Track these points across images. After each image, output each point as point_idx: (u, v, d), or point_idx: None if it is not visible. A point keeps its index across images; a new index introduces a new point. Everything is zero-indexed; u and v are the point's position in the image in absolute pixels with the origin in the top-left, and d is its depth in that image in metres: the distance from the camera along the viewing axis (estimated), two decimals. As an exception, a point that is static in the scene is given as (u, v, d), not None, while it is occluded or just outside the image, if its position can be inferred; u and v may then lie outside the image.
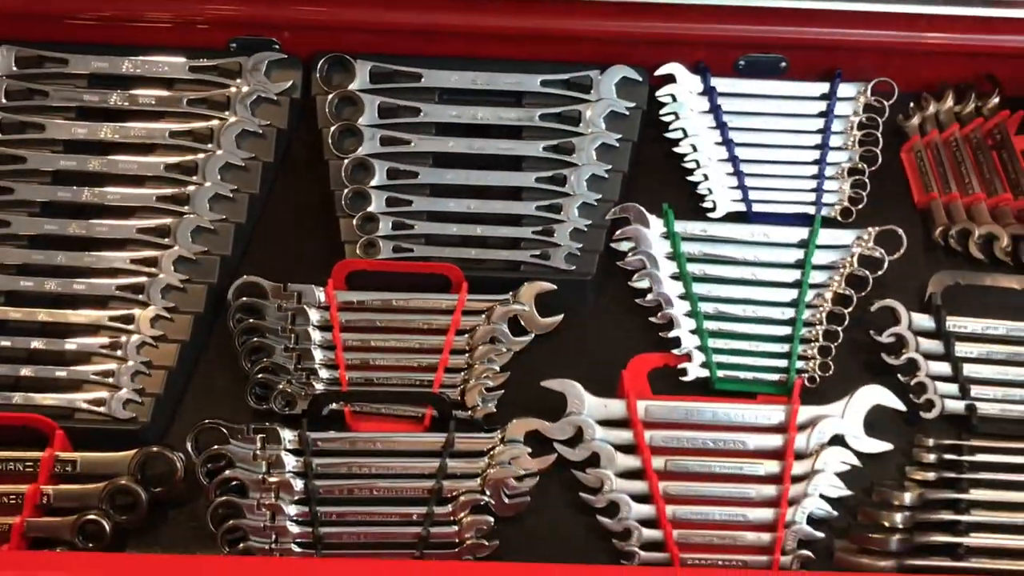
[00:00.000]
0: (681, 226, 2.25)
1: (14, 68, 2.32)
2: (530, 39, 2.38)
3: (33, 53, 2.34)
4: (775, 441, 2.00)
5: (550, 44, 2.39)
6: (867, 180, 2.32)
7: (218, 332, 2.15)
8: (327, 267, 2.17)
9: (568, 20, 2.37)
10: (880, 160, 2.34)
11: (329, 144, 2.30)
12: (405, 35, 2.38)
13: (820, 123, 2.39)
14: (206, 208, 2.22)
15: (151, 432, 2.04)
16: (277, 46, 2.38)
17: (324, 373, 2.09)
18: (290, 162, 2.35)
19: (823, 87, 2.41)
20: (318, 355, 2.10)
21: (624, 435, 2.00)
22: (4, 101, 2.29)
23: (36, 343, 2.00)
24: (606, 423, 2.01)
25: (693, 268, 2.21)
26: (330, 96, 2.33)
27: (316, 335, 2.11)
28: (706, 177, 2.33)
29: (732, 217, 2.31)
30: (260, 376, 2.07)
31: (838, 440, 2.01)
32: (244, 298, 2.12)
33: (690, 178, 2.35)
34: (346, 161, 2.28)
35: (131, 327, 2.09)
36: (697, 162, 2.35)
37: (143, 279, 2.14)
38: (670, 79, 2.39)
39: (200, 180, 2.24)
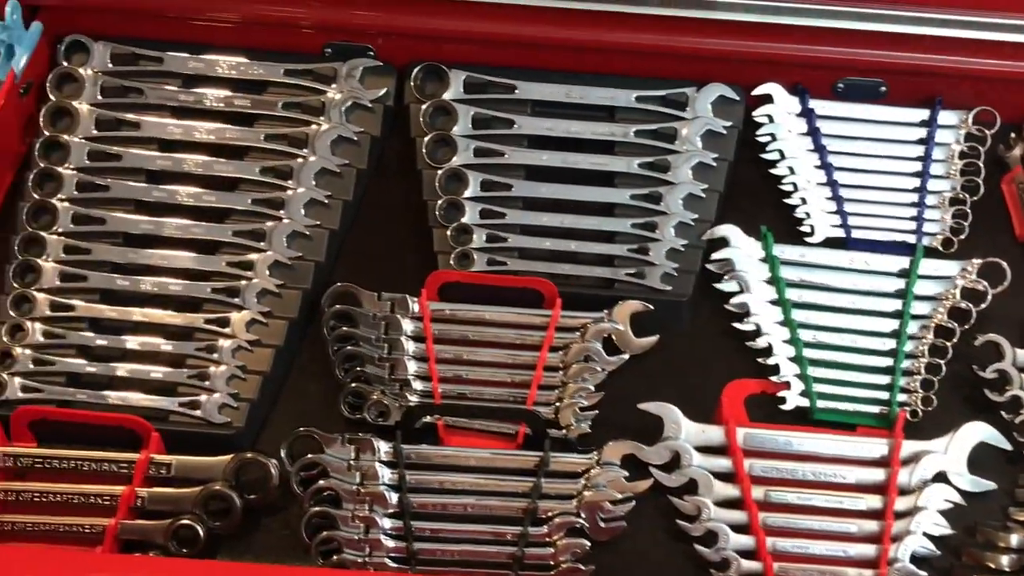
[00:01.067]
0: (779, 250, 2.21)
1: (110, 65, 2.30)
2: (626, 53, 2.34)
3: (128, 51, 2.32)
4: (876, 476, 1.95)
5: (645, 59, 2.36)
6: (968, 210, 2.26)
7: (311, 338, 2.12)
8: (419, 277, 2.13)
9: (665, 36, 2.33)
10: (982, 190, 2.27)
11: (423, 153, 2.27)
12: (500, 46, 2.35)
13: (920, 150, 2.33)
14: (301, 213, 2.19)
15: (245, 437, 2.01)
16: (372, 53, 2.36)
17: (417, 384, 2.06)
18: (383, 170, 2.33)
19: (923, 114, 2.36)
20: (411, 366, 2.07)
21: (722, 463, 1.95)
22: (100, 98, 2.25)
23: (131, 343, 1.97)
24: (704, 449, 1.97)
25: (791, 294, 2.16)
26: (424, 105, 2.29)
27: (410, 346, 2.08)
28: (804, 201, 2.28)
29: (830, 242, 2.26)
30: (353, 385, 2.04)
31: (941, 477, 1.95)
32: (338, 305, 2.09)
33: (787, 201, 2.30)
34: (440, 171, 2.25)
35: (226, 330, 2.06)
36: (795, 185, 2.30)
37: (239, 283, 2.09)
38: (767, 99, 2.35)
39: (295, 185, 2.21)
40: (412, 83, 2.31)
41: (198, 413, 2.00)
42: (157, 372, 2.03)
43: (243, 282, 2.11)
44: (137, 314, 2.07)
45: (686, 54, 2.34)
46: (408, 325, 2.09)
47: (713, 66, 2.35)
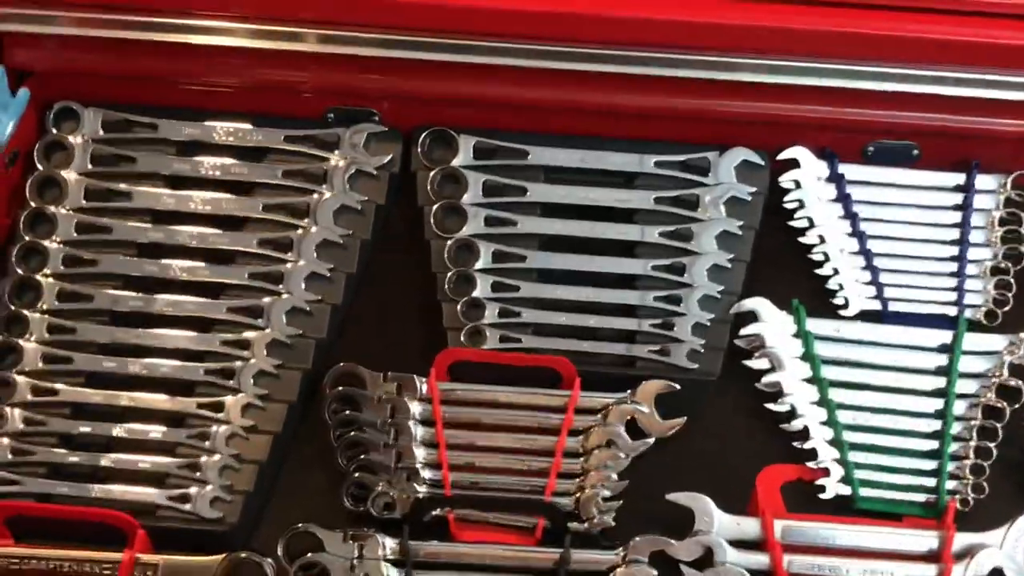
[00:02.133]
0: (812, 324, 2.04)
1: (101, 132, 2.15)
2: (643, 118, 2.19)
3: (121, 117, 2.17)
4: (927, 572, 1.78)
5: (664, 123, 2.21)
6: (1012, 280, 2.10)
7: (311, 423, 1.95)
8: (428, 355, 1.97)
9: (685, 99, 2.19)
10: None
11: (431, 223, 2.11)
12: (511, 110, 2.20)
13: (957, 216, 2.18)
14: (301, 288, 2.03)
15: (239, 534, 1.84)
16: (377, 118, 2.21)
17: (426, 473, 1.89)
18: (388, 240, 2.18)
19: (959, 178, 2.21)
20: (420, 453, 1.90)
21: (759, 559, 1.78)
22: (90, 167, 2.10)
23: (118, 430, 1.81)
24: (738, 544, 1.79)
25: (826, 371, 2.00)
26: (432, 172, 2.14)
27: (418, 431, 1.91)
28: (836, 271, 2.12)
29: (866, 316, 2.10)
30: (357, 475, 1.87)
31: (996, 573, 1.77)
32: (341, 387, 1.92)
33: (819, 272, 2.14)
34: (449, 242, 2.09)
35: (220, 416, 1.89)
36: (826, 254, 2.14)
37: (234, 363, 1.93)
38: (794, 164, 2.19)
39: (295, 257, 2.05)
40: (419, 149, 2.16)
41: (188, 507, 1.83)
42: (145, 462, 1.87)
43: (239, 363, 1.95)
44: (124, 398, 1.91)
45: (707, 117, 2.19)
46: (416, 408, 1.92)
47: (736, 129, 2.21)
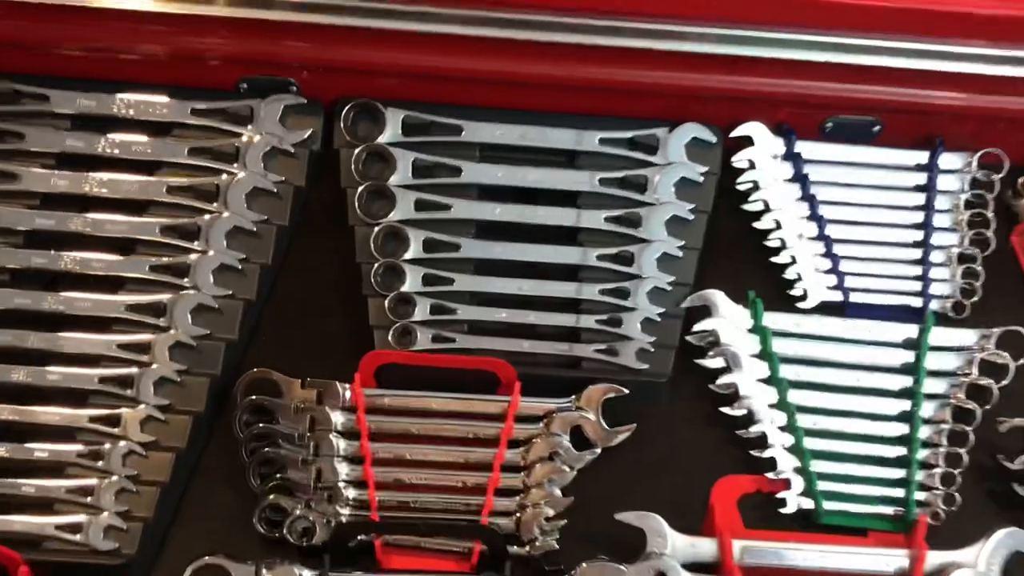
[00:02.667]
0: (769, 319, 1.79)
1: (-15, 104, 1.80)
2: (587, 90, 1.91)
3: (8, 87, 1.85)
4: (899, 595, 1.53)
5: (608, 96, 1.93)
6: (980, 268, 1.86)
7: (220, 435, 1.66)
8: (353, 357, 1.70)
9: (631, 71, 1.90)
10: (993, 244, 1.88)
11: (356, 208, 1.82)
12: (444, 81, 1.91)
13: (921, 198, 1.93)
14: (209, 281, 1.74)
15: (138, 567, 1.59)
16: (295, 88, 1.91)
17: (350, 492, 1.62)
18: (308, 227, 1.88)
19: (922, 156, 1.95)
20: (343, 470, 1.63)
21: (718, 584, 1.52)
22: (-31, 144, 1.77)
23: (-1, 449, 1.49)
24: (694, 567, 1.55)
25: (785, 371, 1.74)
26: (357, 150, 1.84)
27: (340, 444, 1.64)
28: (794, 259, 1.88)
29: (826, 308, 1.85)
30: (272, 496, 1.60)
31: (972, 595, 1.54)
32: (253, 396, 1.63)
33: (775, 260, 1.88)
34: (376, 229, 1.80)
35: (116, 431, 1.60)
36: (783, 241, 1.89)
37: (132, 369, 1.63)
38: (748, 141, 1.92)
39: (202, 247, 1.75)
40: (342, 124, 1.87)
41: (79, 538, 1.55)
42: (28, 486, 1.57)
43: (137, 369, 1.63)
44: (5, 411, 1.60)
45: (655, 91, 1.92)
46: (338, 418, 1.64)
47: (686, 104, 1.94)
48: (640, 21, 1.80)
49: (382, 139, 1.89)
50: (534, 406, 1.69)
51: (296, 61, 1.90)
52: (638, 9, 1.77)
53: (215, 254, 1.77)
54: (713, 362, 1.78)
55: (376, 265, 1.80)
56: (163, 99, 1.87)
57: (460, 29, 1.79)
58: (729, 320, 1.80)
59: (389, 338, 1.75)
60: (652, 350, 1.77)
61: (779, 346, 1.79)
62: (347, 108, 1.89)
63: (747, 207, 1.93)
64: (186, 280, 1.75)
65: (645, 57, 1.86)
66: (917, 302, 1.87)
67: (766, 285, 1.88)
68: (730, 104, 1.94)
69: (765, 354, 1.77)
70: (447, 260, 1.82)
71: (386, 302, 1.78)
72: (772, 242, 1.91)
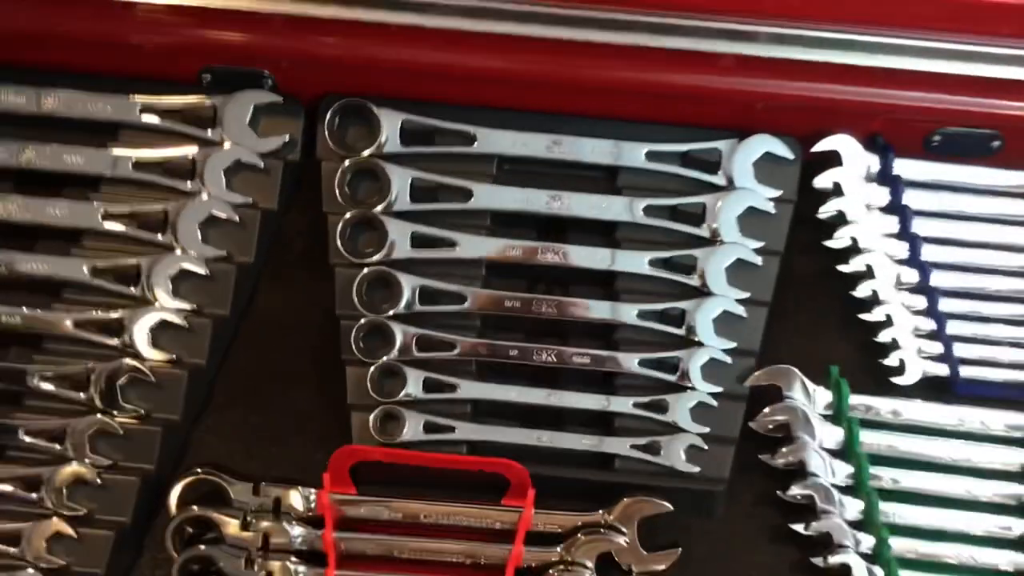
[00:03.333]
0: (858, 403, 1.27)
1: None
2: (632, 95, 1.37)
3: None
4: None
5: (658, 102, 1.39)
6: None
7: (152, 553, 1.19)
8: (326, 441, 1.23)
9: (688, 75, 1.36)
10: None
11: (337, 243, 1.31)
12: (454, 80, 1.39)
13: None
14: (145, 342, 1.24)
15: None
16: (269, 82, 1.39)
17: (310, 638, 1.14)
18: (280, 261, 1.39)
19: None
20: (302, 607, 1.15)
21: None
22: None
23: None
24: None
25: (878, 474, 1.23)
26: (343, 164, 1.32)
27: (300, 571, 1.15)
28: (889, 319, 1.34)
29: (929, 385, 1.32)
30: (209, 646, 1.12)
31: None
32: (193, 507, 1.15)
33: (865, 317, 1.35)
34: (360, 275, 1.29)
35: (14, 550, 1.14)
36: (875, 293, 1.35)
37: (40, 470, 1.18)
38: (832, 159, 1.37)
39: (143, 292, 1.25)
40: (326, 129, 1.37)
41: None
42: None
43: (46, 470, 1.17)
44: None
45: (717, 97, 1.39)
46: (299, 534, 1.16)
47: (752, 112, 1.40)
48: (700, 18, 1.24)
49: (375, 149, 1.36)
50: (553, 518, 1.21)
51: (272, 50, 1.39)
52: (703, 5, 1.22)
53: (157, 308, 1.27)
54: (783, 460, 1.27)
55: (359, 325, 1.29)
56: (104, 95, 1.39)
57: (474, 24, 1.25)
58: (804, 405, 1.28)
59: (370, 424, 1.25)
60: (705, 447, 1.27)
61: (869, 440, 1.27)
62: (332, 109, 1.37)
63: (830, 244, 1.39)
64: (117, 341, 1.25)
65: (704, 61, 1.34)
66: (1049, 380, 1.33)
67: (852, 350, 1.38)
68: (809, 113, 1.37)
69: (851, 451, 1.26)
70: (448, 316, 1.31)
71: (369, 373, 1.27)
72: (861, 292, 1.37)
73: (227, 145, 1.36)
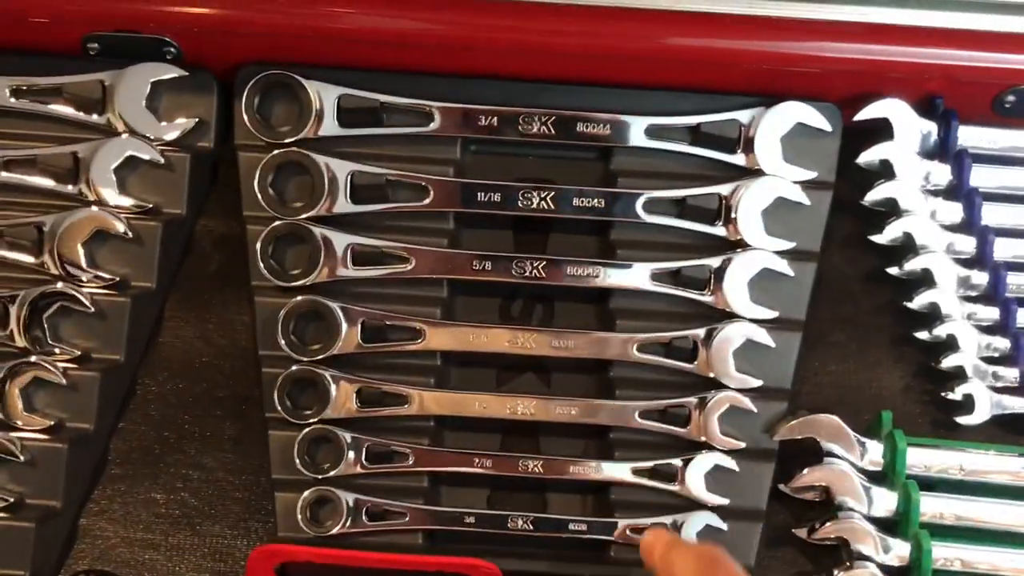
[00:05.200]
0: (916, 459, 0.81)
1: None
2: (624, 60, 0.87)
3: None
4: None
5: (656, 67, 0.89)
6: None
7: None
8: (248, 526, 0.77)
9: (699, 39, 0.86)
10: None
11: (258, 262, 0.83)
12: (402, 45, 0.88)
13: None
14: (18, 407, 0.81)
15: None
16: (173, 51, 0.90)
17: None
18: (193, 278, 0.93)
19: None
20: None
21: None
22: None
23: None
24: None
25: (942, 555, 0.79)
26: (265, 159, 0.84)
27: None
28: (954, 340, 0.87)
29: (1003, 426, 0.86)
30: None
31: None
32: None
33: (921, 336, 0.87)
34: (288, 305, 0.82)
35: None
36: (937, 306, 0.86)
37: None
38: (882, 128, 0.87)
39: (13, 339, 0.80)
40: (244, 109, 0.87)
41: None
42: None
43: None
44: None
45: (737, 61, 0.87)
46: None
47: (777, 77, 0.88)
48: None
49: (306, 134, 0.86)
50: None
51: (174, 16, 0.92)
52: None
53: (36, 362, 0.80)
54: (823, 536, 0.81)
55: (284, 373, 0.83)
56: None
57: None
58: (848, 463, 0.82)
59: (298, 511, 0.80)
60: (724, 527, 0.81)
61: (931, 508, 0.82)
62: (252, 84, 0.87)
63: (878, 239, 0.91)
64: (-22, 409, 0.80)
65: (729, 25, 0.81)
66: None
67: (905, 379, 0.93)
68: (851, 75, 0.87)
69: (907, 525, 0.81)
70: (400, 356, 0.85)
71: (296, 441, 0.81)
72: (918, 303, 0.90)
73: (118, 139, 0.85)
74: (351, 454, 0.83)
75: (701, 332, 0.87)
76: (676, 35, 0.87)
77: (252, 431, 0.86)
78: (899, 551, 0.83)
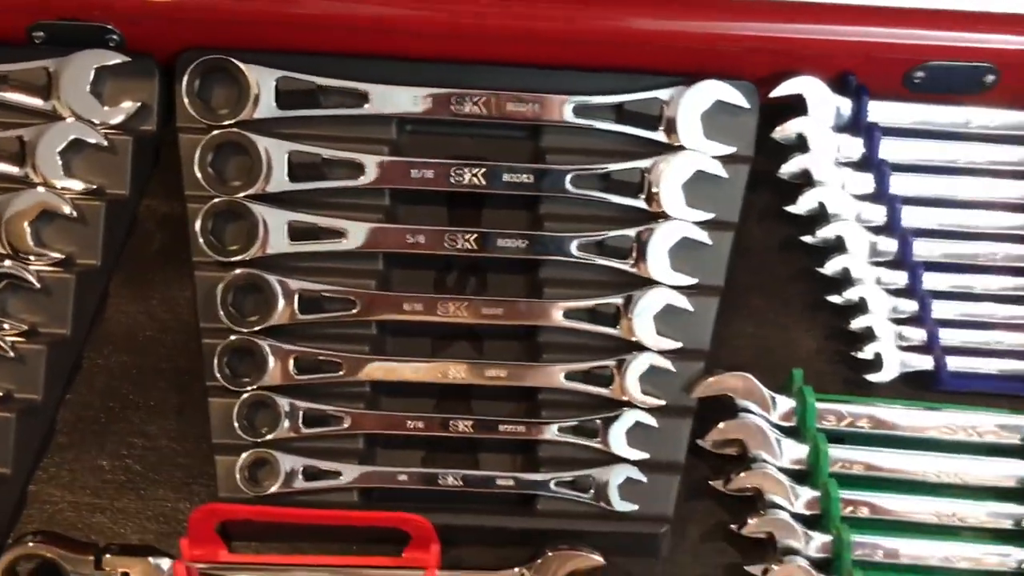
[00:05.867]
0: (826, 408, 0.87)
1: None
2: (550, 42, 0.93)
3: None
4: None
5: (586, 49, 0.94)
6: None
7: None
8: (191, 490, 0.83)
9: (621, 19, 0.93)
10: None
11: (198, 239, 0.88)
12: (337, 28, 0.94)
13: None
14: None
15: None
16: (115, 38, 0.95)
17: None
18: (136, 260, 0.98)
19: None
20: None
21: None
22: None
23: None
24: None
25: (851, 498, 0.85)
26: (205, 140, 0.89)
27: None
28: (864, 302, 0.93)
29: (909, 382, 0.92)
30: None
31: None
32: None
33: (834, 299, 0.93)
34: (226, 279, 0.87)
35: None
36: (848, 271, 0.93)
37: None
38: (798, 105, 0.93)
39: None
40: (184, 92, 0.93)
41: None
42: None
43: None
44: None
45: (654, 41, 0.94)
46: None
47: (700, 57, 0.94)
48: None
49: (245, 116, 0.91)
50: None
51: (117, 3, 0.93)
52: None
53: None
54: (737, 487, 0.88)
55: (223, 343, 0.88)
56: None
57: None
58: (761, 415, 0.88)
59: (237, 474, 0.85)
60: (644, 479, 0.87)
61: (840, 456, 0.89)
62: (192, 68, 0.92)
63: (793, 210, 0.97)
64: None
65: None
66: (1050, 370, 0.93)
67: (819, 340, 0.98)
68: (767, 54, 0.93)
69: (817, 474, 0.87)
70: (335, 326, 0.91)
71: (236, 408, 0.86)
72: (830, 269, 0.96)
73: (63, 124, 0.89)
74: (288, 419, 0.88)
75: (623, 298, 0.92)
76: (600, 17, 0.92)
77: (194, 401, 0.90)
78: (811, 498, 0.89)
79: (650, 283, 0.93)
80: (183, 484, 0.88)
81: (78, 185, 0.94)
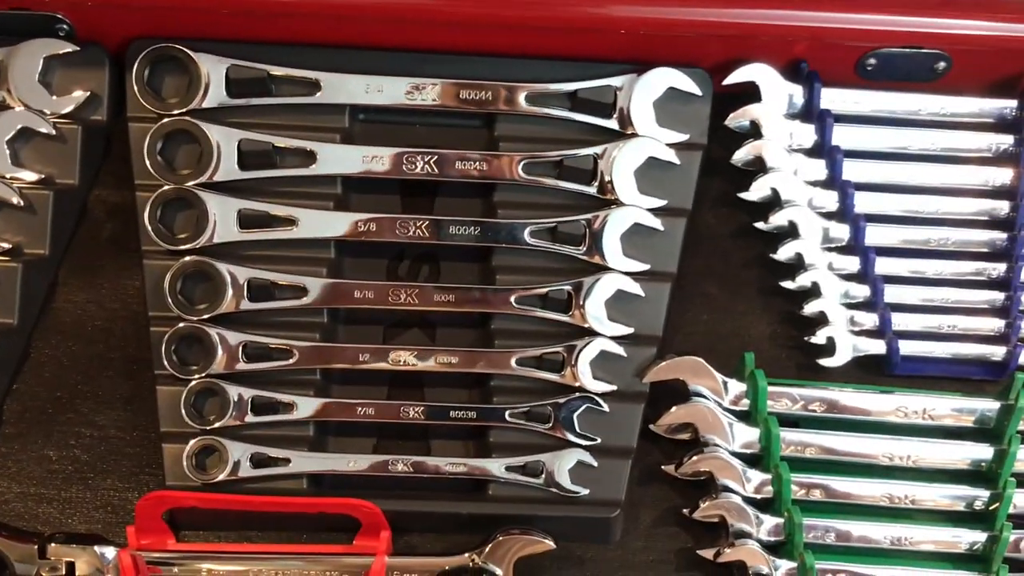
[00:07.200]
0: (778, 392, 0.89)
1: None
2: (502, 28, 0.94)
3: None
4: None
5: (536, 35, 0.96)
6: (1100, 299, 0.93)
7: None
8: (139, 480, 0.83)
9: (573, 5, 0.94)
10: None
11: (147, 226, 0.88)
12: (288, 16, 0.93)
13: (1008, 175, 0.96)
14: None
15: None
16: (65, 27, 0.95)
17: None
18: (85, 249, 0.98)
19: (1008, 105, 0.97)
20: None
21: None
22: None
23: None
24: None
25: (802, 481, 0.86)
26: (156, 126, 0.90)
27: None
28: (817, 287, 0.94)
29: (864, 366, 0.93)
30: None
31: None
32: None
33: (787, 285, 0.95)
34: (174, 267, 0.88)
35: None
36: (801, 257, 0.94)
37: None
38: (751, 92, 0.95)
39: None
40: (134, 81, 0.93)
41: None
42: None
43: None
44: None
45: (606, 26, 0.95)
46: None
47: (651, 43, 0.96)
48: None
49: (195, 104, 0.92)
50: (411, 564, 0.82)
51: None
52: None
53: None
54: (690, 471, 0.89)
55: (170, 333, 0.88)
56: None
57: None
58: (715, 401, 0.89)
59: (184, 461, 0.85)
60: (595, 464, 0.88)
61: (792, 439, 0.90)
62: (142, 57, 0.93)
63: (746, 196, 0.98)
64: None
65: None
66: (1000, 353, 0.95)
67: (772, 326, 0.99)
68: (720, 41, 0.94)
69: (768, 458, 0.88)
70: (285, 313, 0.91)
71: (184, 394, 0.87)
72: (783, 254, 0.97)
73: (11, 112, 0.90)
74: (236, 406, 0.88)
75: (575, 285, 0.93)
76: (554, 3, 0.93)
77: (143, 391, 0.91)
78: (763, 481, 0.90)
79: (603, 269, 0.93)
80: (131, 474, 0.88)
81: (27, 175, 0.94)
